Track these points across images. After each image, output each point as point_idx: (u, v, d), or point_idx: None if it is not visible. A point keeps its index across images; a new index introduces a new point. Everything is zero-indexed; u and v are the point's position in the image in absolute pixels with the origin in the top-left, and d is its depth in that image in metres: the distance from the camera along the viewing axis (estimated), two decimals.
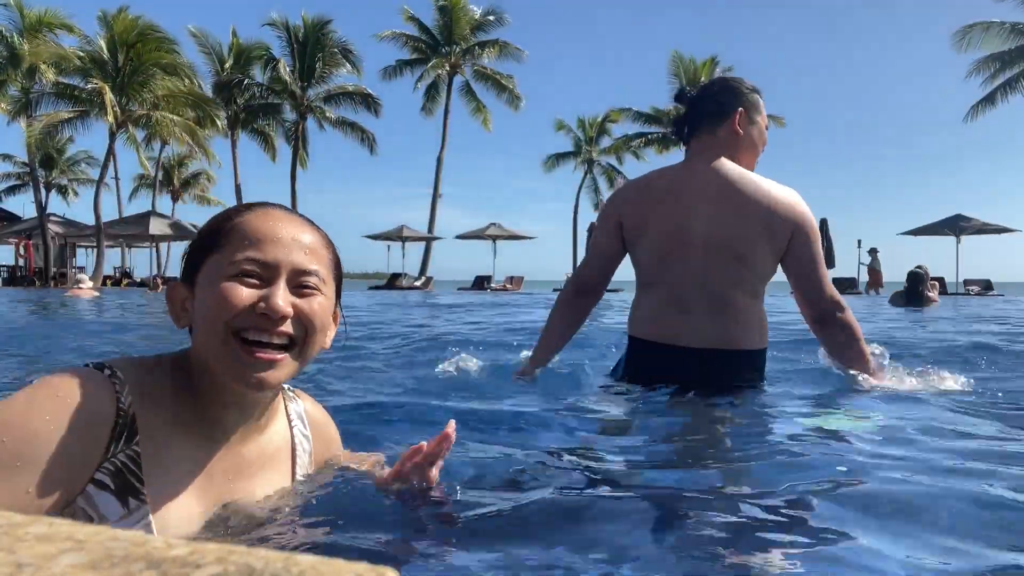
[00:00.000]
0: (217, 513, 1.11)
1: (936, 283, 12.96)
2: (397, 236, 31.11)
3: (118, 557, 0.40)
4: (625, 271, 2.83)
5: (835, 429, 1.97)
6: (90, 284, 17.91)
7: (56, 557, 0.40)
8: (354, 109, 34.53)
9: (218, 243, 1.09)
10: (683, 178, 2.59)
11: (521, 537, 1.14)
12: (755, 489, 1.46)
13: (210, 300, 1.06)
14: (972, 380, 2.76)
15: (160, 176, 39.80)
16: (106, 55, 27.16)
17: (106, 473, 1.01)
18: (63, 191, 45.38)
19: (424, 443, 1.20)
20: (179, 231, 29.26)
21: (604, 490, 1.46)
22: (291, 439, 1.28)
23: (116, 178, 37.30)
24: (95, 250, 28.68)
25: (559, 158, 40.51)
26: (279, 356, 1.08)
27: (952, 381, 2.71)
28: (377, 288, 25.24)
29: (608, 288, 2.87)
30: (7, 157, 44.08)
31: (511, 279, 28.69)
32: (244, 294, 1.05)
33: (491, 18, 34.68)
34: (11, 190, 46.40)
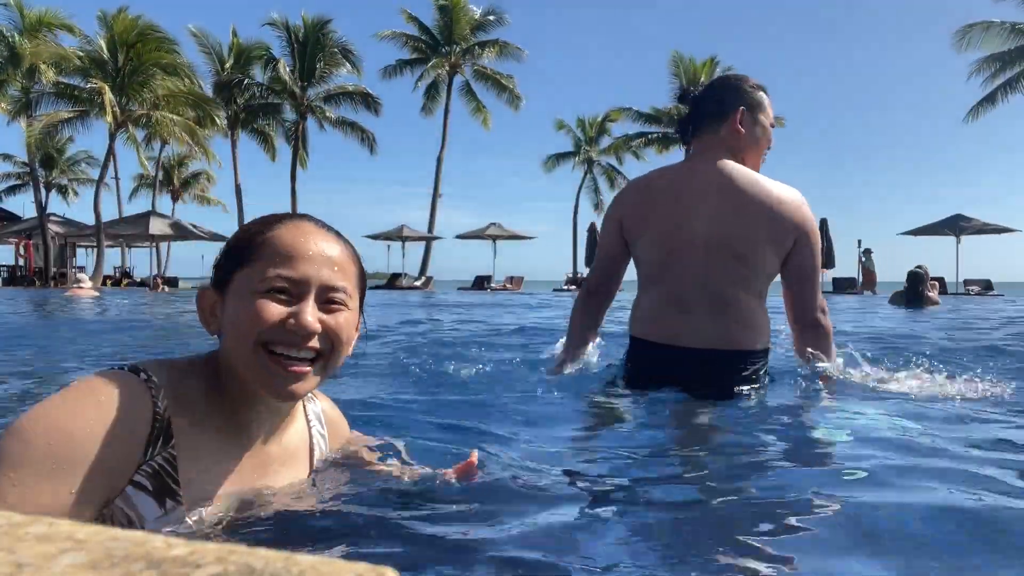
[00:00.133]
0: (244, 511, 1.15)
1: (936, 283, 12.97)
2: (397, 236, 31.14)
3: (118, 557, 0.40)
4: (626, 271, 2.84)
5: (835, 436, 1.96)
6: (90, 284, 17.93)
7: (56, 557, 0.40)
8: (354, 109, 34.61)
9: (250, 256, 1.13)
10: (684, 177, 2.59)
11: (521, 537, 1.15)
12: (754, 493, 1.46)
13: (243, 314, 1.10)
14: (972, 381, 2.75)
15: (160, 176, 39.83)
16: (106, 55, 27.19)
17: (144, 475, 1.04)
18: (63, 191, 45.43)
19: (450, 471, 1.31)
20: (179, 231, 29.27)
21: (601, 492, 1.46)
22: (309, 439, 1.32)
23: (116, 178, 37.37)
24: (95, 250, 28.70)
25: (559, 158, 40.57)
26: (306, 369, 1.12)
27: (950, 386, 2.68)
28: (377, 288, 25.25)
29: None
30: (7, 157, 44.14)
31: (511, 279, 28.73)
32: (274, 311, 1.09)
33: (491, 18, 34.73)
34: (11, 190, 46.48)
